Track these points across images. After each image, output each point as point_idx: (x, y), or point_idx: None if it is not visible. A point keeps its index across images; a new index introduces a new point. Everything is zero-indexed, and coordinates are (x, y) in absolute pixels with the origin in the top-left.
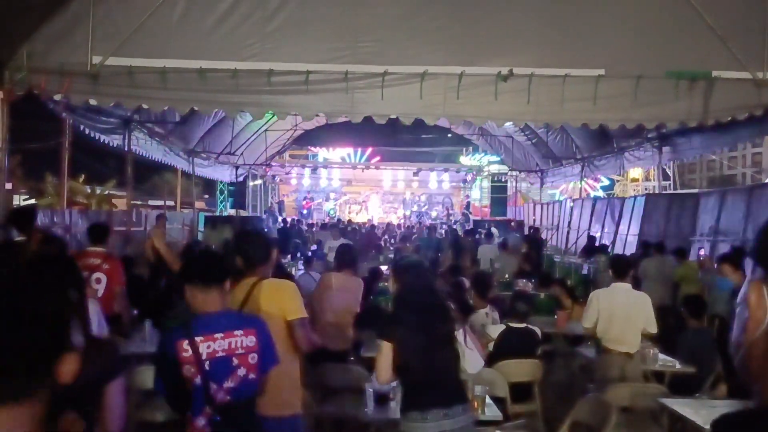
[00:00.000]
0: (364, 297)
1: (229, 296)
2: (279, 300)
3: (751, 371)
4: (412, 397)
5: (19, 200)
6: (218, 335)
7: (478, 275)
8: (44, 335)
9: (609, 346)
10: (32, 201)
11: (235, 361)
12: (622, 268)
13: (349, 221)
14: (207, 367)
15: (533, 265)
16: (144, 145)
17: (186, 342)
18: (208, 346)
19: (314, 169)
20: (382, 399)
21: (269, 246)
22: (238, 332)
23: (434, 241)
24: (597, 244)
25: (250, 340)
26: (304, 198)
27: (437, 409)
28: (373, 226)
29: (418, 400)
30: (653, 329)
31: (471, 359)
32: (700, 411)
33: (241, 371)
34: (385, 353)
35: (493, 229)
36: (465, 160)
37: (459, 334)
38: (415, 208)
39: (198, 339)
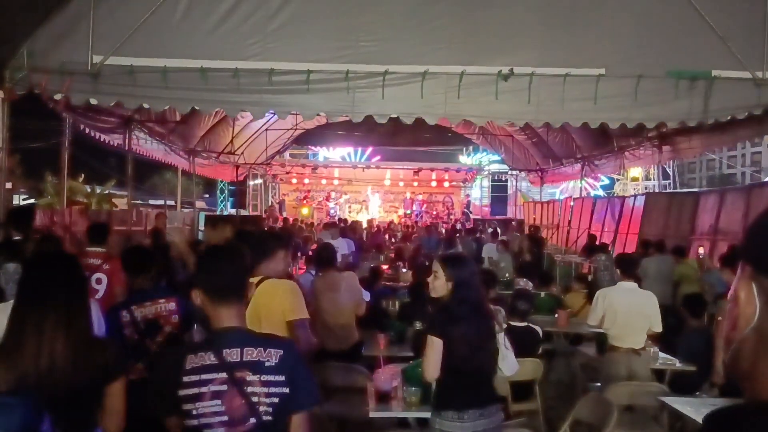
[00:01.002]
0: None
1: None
2: (279, 300)
3: (741, 368)
4: (451, 396)
5: (19, 200)
6: (147, 303)
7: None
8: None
9: (615, 343)
10: (32, 200)
11: (161, 321)
12: (628, 266)
13: (345, 220)
14: (142, 327)
15: (534, 262)
16: (144, 145)
17: (125, 311)
18: (141, 312)
19: (314, 169)
20: (383, 398)
21: (270, 244)
22: (161, 300)
23: (434, 240)
24: (597, 242)
25: (171, 305)
26: (305, 197)
27: (474, 409)
28: (378, 227)
29: (457, 400)
30: (658, 328)
31: (509, 361)
32: (700, 409)
33: (168, 328)
34: (436, 349)
35: (498, 229)
36: (465, 159)
37: (500, 336)
38: (415, 207)
39: (133, 307)
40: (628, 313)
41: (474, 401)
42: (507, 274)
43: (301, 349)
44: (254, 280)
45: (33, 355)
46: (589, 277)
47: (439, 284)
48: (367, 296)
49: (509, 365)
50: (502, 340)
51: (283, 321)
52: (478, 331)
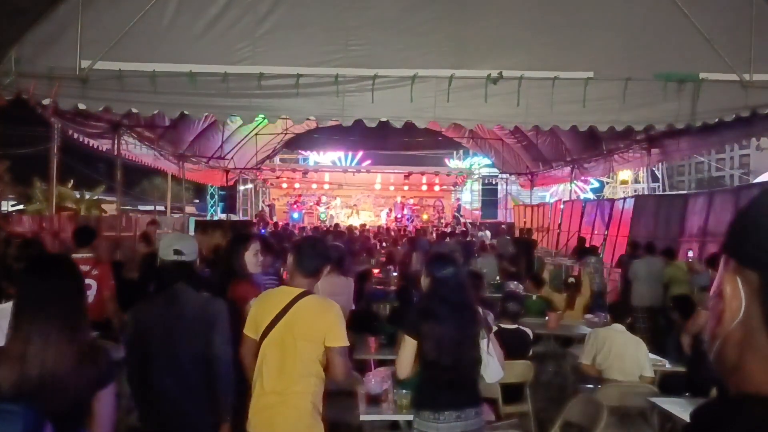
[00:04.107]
0: (355, 299)
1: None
2: (324, 322)
3: (727, 363)
4: (428, 396)
5: (8, 206)
6: None
7: None
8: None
9: (609, 377)
10: (20, 206)
11: None
12: (620, 313)
13: (336, 225)
14: None
15: (522, 267)
16: (133, 150)
17: None
18: None
19: (305, 173)
20: (374, 401)
21: (326, 260)
22: None
23: (424, 243)
24: (587, 245)
25: None
26: (295, 202)
27: (450, 410)
28: (365, 230)
29: (433, 400)
30: (649, 373)
31: (491, 368)
32: (690, 410)
33: None
34: (408, 348)
35: (487, 232)
36: (454, 163)
37: (483, 342)
38: (406, 211)
39: None
40: (620, 351)
41: (451, 402)
42: (497, 277)
43: (340, 376)
44: (294, 290)
45: (39, 361)
46: (570, 280)
47: (424, 282)
48: (351, 306)
49: (492, 372)
50: (485, 347)
51: (321, 341)
52: (456, 331)
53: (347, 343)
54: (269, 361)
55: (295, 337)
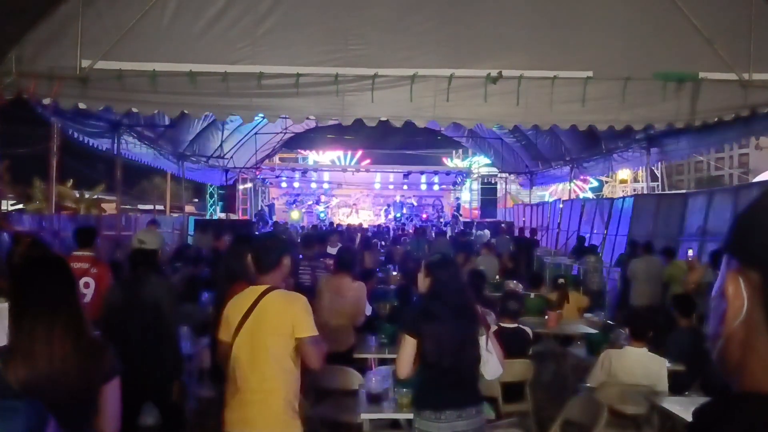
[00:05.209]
0: None
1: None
2: (291, 315)
3: (729, 363)
4: (429, 395)
5: (8, 205)
6: None
7: None
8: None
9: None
10: (20, 206)
11: None
12: (641, 328)
13: (331, 224)
14: None
15: (521, 266)
16: (133, 149)
17: None
18: None
19: (304, 172)
20: (375, 400)
21: (276, 253)
22: None
23: (423, 243)
24: (586, 244)
25: None
26: (294, 201)
27: (452, 410)
28: (365, 229)
29: (434, 400)
30: (662, 388)
31: (490, 365)
32: (690, 409)
33: None
34: (408, 348)
35: (486, 231)
36: (452, 163)
37: (482, 340)
38: (405, 210)
39: None
40: (633, 381)
41: (452, 402)
42: (497, 276)
43: (315, 365)
44: (259, 288)
45: (46, 358)
46: (560, 281)
47: (423, 282)
48: (369, 310)
49: (491, 369)
50: (484, 344)
51: (291, 334)
52: (455, 331)
53: (316, 332)
54: (241, 360)
55: (265, 333)
